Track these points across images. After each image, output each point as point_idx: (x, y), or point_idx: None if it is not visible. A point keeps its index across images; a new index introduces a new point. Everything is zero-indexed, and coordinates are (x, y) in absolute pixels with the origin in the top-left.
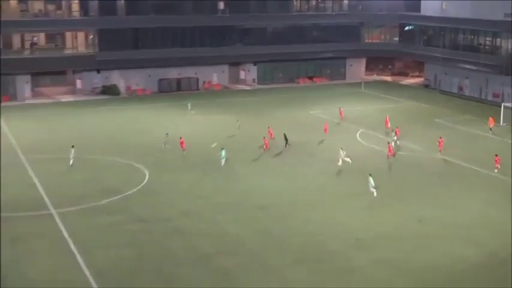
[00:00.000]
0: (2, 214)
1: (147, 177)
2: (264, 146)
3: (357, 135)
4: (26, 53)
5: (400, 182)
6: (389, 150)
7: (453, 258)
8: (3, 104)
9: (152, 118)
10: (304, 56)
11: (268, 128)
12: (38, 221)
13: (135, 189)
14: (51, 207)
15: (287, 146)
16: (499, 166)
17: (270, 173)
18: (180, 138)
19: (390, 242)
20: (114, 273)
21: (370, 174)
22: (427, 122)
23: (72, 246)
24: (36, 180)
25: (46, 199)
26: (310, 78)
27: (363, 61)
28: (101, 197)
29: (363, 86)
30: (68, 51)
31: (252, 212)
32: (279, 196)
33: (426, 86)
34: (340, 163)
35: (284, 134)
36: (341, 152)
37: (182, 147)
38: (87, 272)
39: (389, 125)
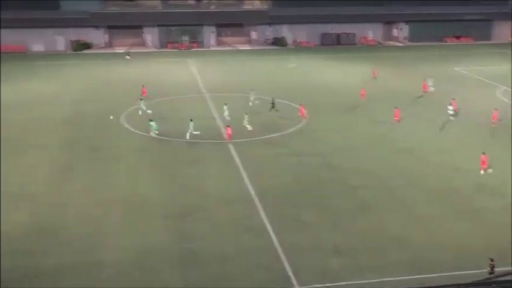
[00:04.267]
0: (189, 140)
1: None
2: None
3: (498, 92)
4: (212, 7)
5: None
6: (396, 115)
7: None
8: (193, 49)
9: (314, 67)
10: (452, 16)
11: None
12: (215, 148)
13: (295, 127)
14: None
15: (272, 110)
16: None
17: (411, 121)
18: (301, 104)
19: None
20: (274, 195)
21: (225, 104)
22: None
23: (241, 171)
24: (215, 114)
25: (222, 130)
26: (457, 37)
27: (509, 23)
28: (266, 132)
29: (510, 48)
30: (246, 7)
31: (395, 153)
32: (419, 142)
33: None
34: (249, 128)
35: (272, 98)
36: (245, 116)
37: (302, 113)
38: (252, 192)
39: (427, 89)
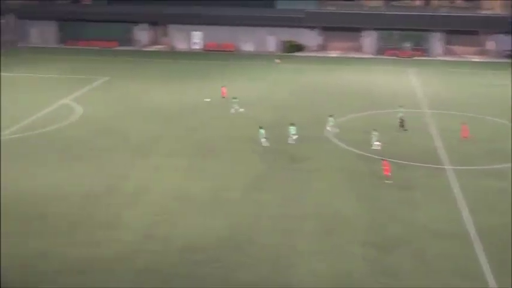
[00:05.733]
0: (400, 161)
1: None
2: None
3: None
4: (443, 10)
5: None
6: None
7: None
8: (416, 58)
9: None
10: None
11: None
12: (429, 173)
13: None
14: (445, 163)
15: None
16: None
17: None
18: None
19: None
20: (498, 236)
21: (260, 127)
22: None
23: (459, 203)
24: (434, 134)
25: (441, 154)
26: None
27: None
28: (493, 161)
29: None
30: (483, 12)
31: None
32: None
33: None
34: (373, 147)
35: (400, 117)
36: (374, 133)
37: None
38: (470, 229)
39: None
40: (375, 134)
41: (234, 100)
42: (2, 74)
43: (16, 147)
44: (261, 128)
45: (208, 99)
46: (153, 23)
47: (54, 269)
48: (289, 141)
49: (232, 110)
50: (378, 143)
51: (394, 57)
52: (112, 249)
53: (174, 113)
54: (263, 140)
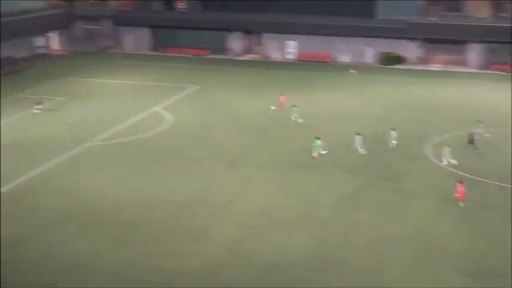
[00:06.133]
0: (504, 184)
1: None
2: None
3: None
4: None
5: None
6: None
7: None
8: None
9: None
10: None
11: None
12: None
13: None
14: None
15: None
16: None
17: None
18: None
19: None
20: None
21: (317, 138)
22: None
23: None
24: None
25: None
26: None
27: None
28: None
29: None
30: None
31: None
32: None
33: None
34: (445, 163)
35: (470, 133)
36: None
37: None
38: None
39: None
40: (447, 150)
41: (294, 108)
42: (96, 80)
43: (107, 154)
44: (317, 138)
45: (274, 107)
46: (247, 31)
47: (141, 278)
48: (390, 145)
49: (293, 119)
50: (451, 160)
51: (501, 72)
52: (198, 262)
53: (264, 124)
54: (319, 152)
